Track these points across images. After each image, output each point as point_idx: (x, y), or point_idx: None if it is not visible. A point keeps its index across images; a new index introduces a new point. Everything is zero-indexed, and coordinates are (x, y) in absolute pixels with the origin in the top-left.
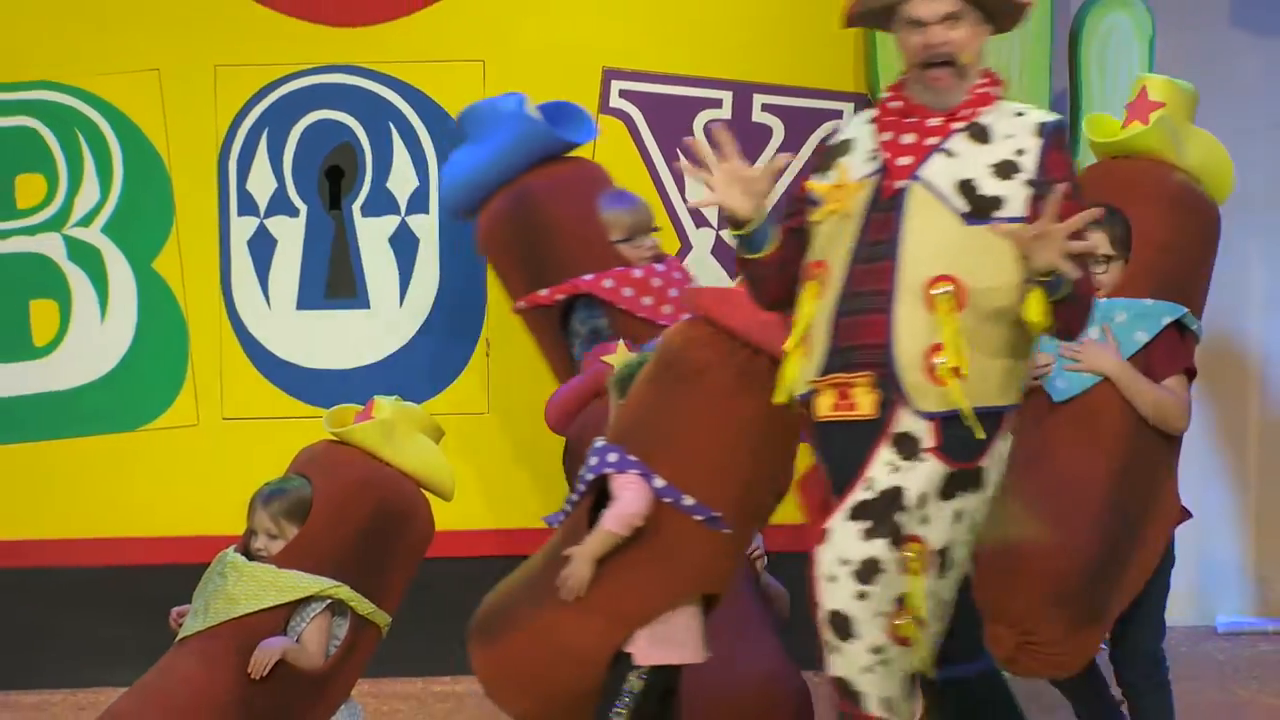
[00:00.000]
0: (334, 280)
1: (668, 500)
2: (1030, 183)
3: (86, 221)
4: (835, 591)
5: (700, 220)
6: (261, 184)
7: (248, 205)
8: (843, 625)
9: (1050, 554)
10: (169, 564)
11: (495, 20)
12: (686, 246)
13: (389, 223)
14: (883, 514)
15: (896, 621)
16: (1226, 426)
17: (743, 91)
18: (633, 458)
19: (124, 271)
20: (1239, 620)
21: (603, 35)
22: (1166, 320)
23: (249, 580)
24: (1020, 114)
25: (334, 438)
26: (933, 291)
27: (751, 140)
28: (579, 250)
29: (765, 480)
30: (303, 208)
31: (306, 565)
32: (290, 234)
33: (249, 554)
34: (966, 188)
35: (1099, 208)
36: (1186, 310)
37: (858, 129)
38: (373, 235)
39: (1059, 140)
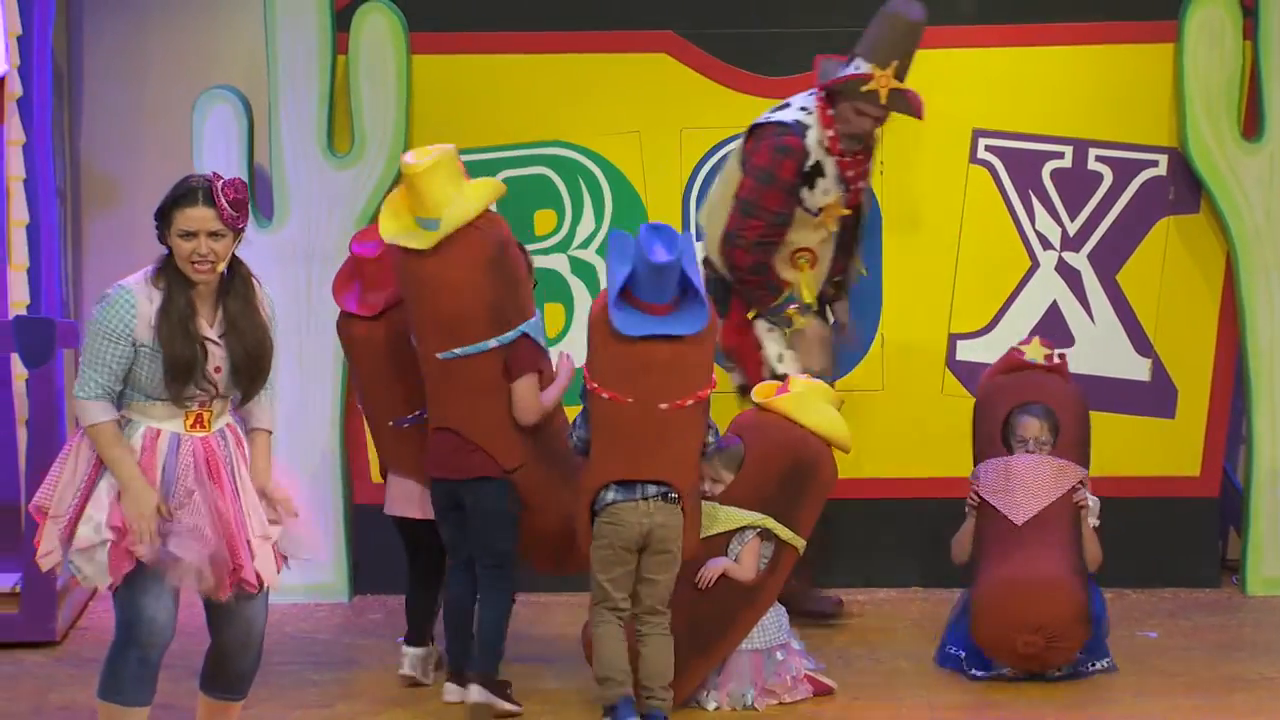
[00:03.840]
0: None
1: None
2: None
3: (585, 245)
4: None
5: (1046, 244)
6: None
7: (703, 234)
8: None
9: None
10: None
11: None
12: (1035, 265)
13: None
14: None
15: None
16: None
17: (1080, 146)
18: None
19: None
20: None
21: (972, 101)
22: None
23: (701, 514)
24: None
25: (761, 406)
26: None
27: (1085, 184)
28: None
29: None
30: None
31: (741, 502)
32: None
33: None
34: None
35: None
36: None
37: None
38: None
39: None
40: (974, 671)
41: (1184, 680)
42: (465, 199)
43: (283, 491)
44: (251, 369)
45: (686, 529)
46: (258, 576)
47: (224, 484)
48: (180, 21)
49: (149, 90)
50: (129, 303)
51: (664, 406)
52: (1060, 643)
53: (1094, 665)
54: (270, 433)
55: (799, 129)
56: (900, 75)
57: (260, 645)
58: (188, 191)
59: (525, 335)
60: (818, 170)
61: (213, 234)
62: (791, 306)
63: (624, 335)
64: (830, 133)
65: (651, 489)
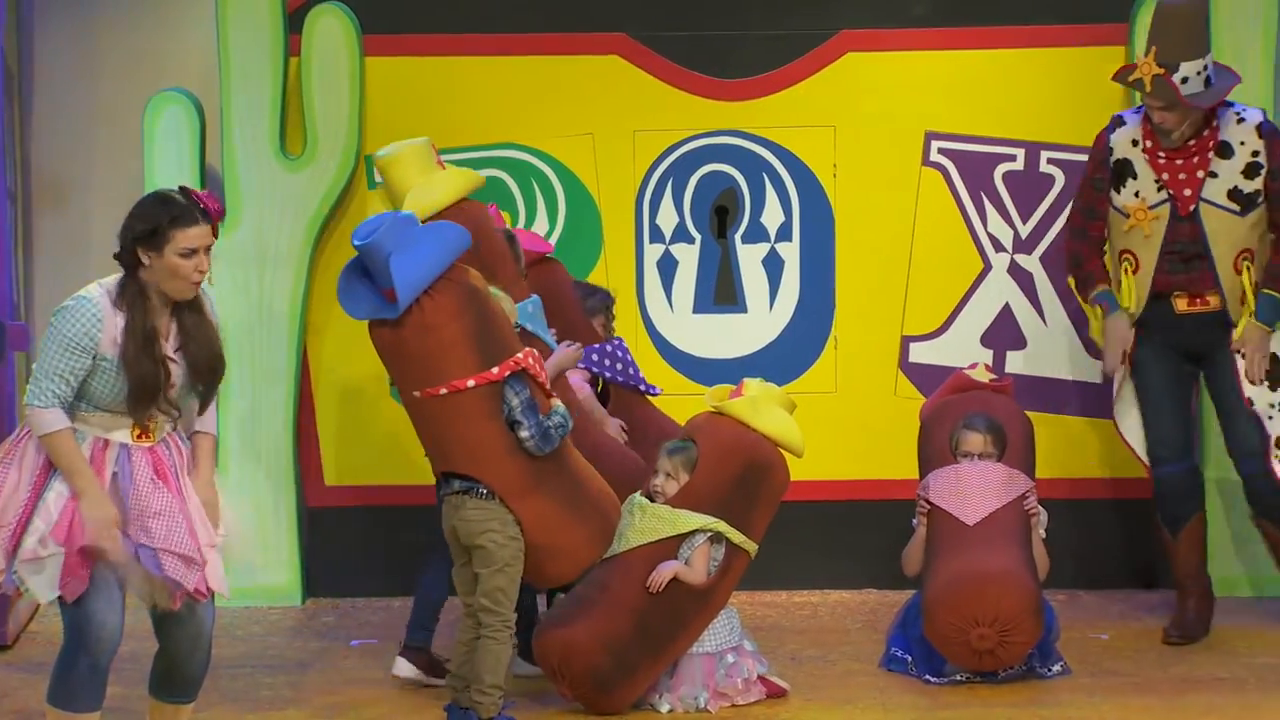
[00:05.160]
0: (720, 291)
1: None
2: None
3: None
4: None
5: (999, 246)
6: (667, 219)
7: (657, 235)
8: None
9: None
10: None
11: (842, 96)
12: (987, 267)
13: (761, 248)
14: None
15: None
16: None
17: (1032, 148)
18: None
19: None
20: None
21: (924, 103)
22: None
23: (652, 517)
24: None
25: (714, 409)
26: None
27: (1037, 186)
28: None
29: None
30: (698, 237)
31: (693, 505)
32: (688, 257)
33: (649, 495)
34: None
35: None
36: None
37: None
38: (750, 257)
39: None
40: (927, 677)
41: (1135, 681)
42: (431, 187)
43: (217, 499)
44: (208, 378)
45: (559, 527)
46: (207, 583)
47: (174, 491)
48: (131, 23)
49: (100, 92)
50: (94, 314)
51: (417, 394)
52: (1013, 636)
53: (1049, 670)
54: (214, 436)
55: (1114, 124)
56: (1163, 60)
57: (209, 648)
58: (185, 211)
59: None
60: (1126, 169)
61: (207, 249)
62: (1098, 302)
63: (348, 314)
64: (1143, 129)
65: (456, 483)
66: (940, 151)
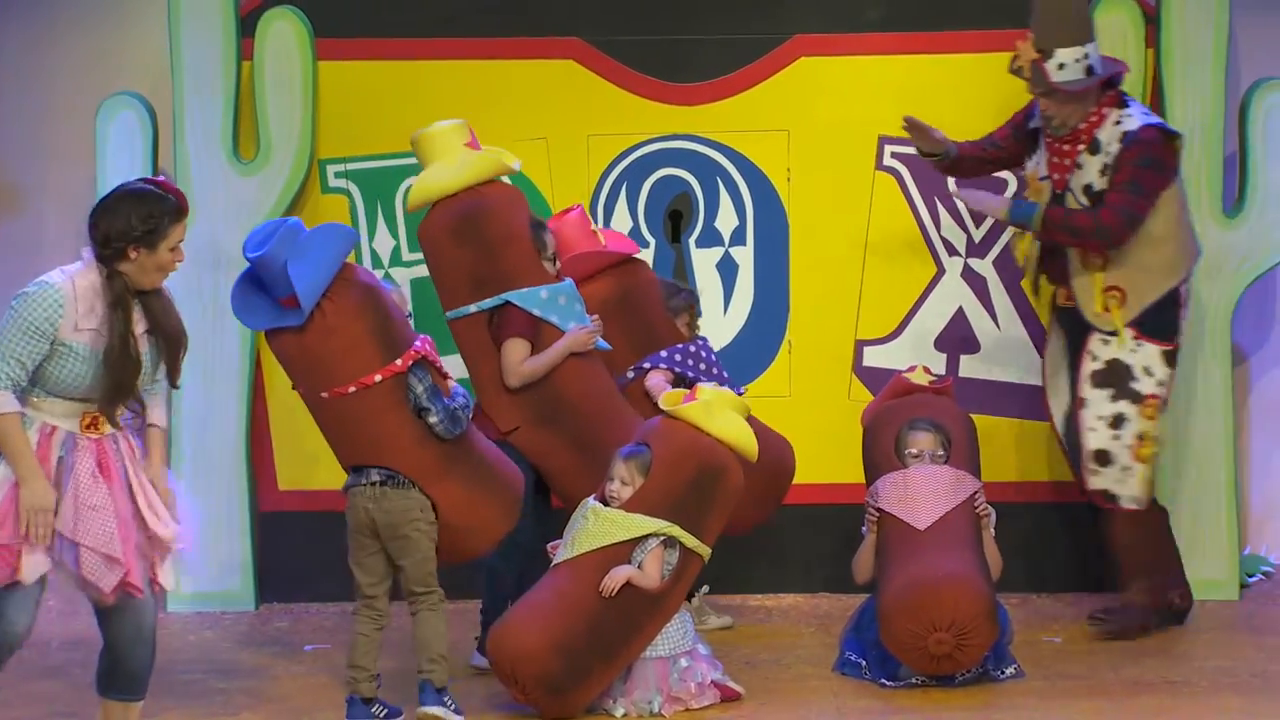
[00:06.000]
0: None
1: None
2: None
3: None
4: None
5: (952, 250)
6: (621, 223)
7: None
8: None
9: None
10: None
11: (796, 101)
12: (941, 271)
13: (716, 252)
14: None
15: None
16: None
17: None
18: None
19: None
20: None
21: (878, 108)
22: None
23: (605, 522)
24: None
25: (668, 414)
26: None
27: (991, 190)
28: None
29: None
30: (652, 241)
31: (647, 510)
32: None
33: (604, 500)
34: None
35: None
36: None
37: None
38: (704, 261)
39: None
40: (882, 681)
41: (1087, 684)
42: (443, 170)
43: (170, 493)
44: (178, 351)
45: (473, 505)
46: (155, 578)
47: (117, 486)
48: (84, 27)
49: (53, 96)
50: (55, 300)
51: (326, 395)
52: (970, 639)
53: (1002, 673)
54: (166, 430)
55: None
56: (1040, 47)
57: (153, 642)
58: (177, 206)
59: (509, 303)
60: (1036, 139)
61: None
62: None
63: (245, 326)
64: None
65: (375, 474)
66: (894, 156)
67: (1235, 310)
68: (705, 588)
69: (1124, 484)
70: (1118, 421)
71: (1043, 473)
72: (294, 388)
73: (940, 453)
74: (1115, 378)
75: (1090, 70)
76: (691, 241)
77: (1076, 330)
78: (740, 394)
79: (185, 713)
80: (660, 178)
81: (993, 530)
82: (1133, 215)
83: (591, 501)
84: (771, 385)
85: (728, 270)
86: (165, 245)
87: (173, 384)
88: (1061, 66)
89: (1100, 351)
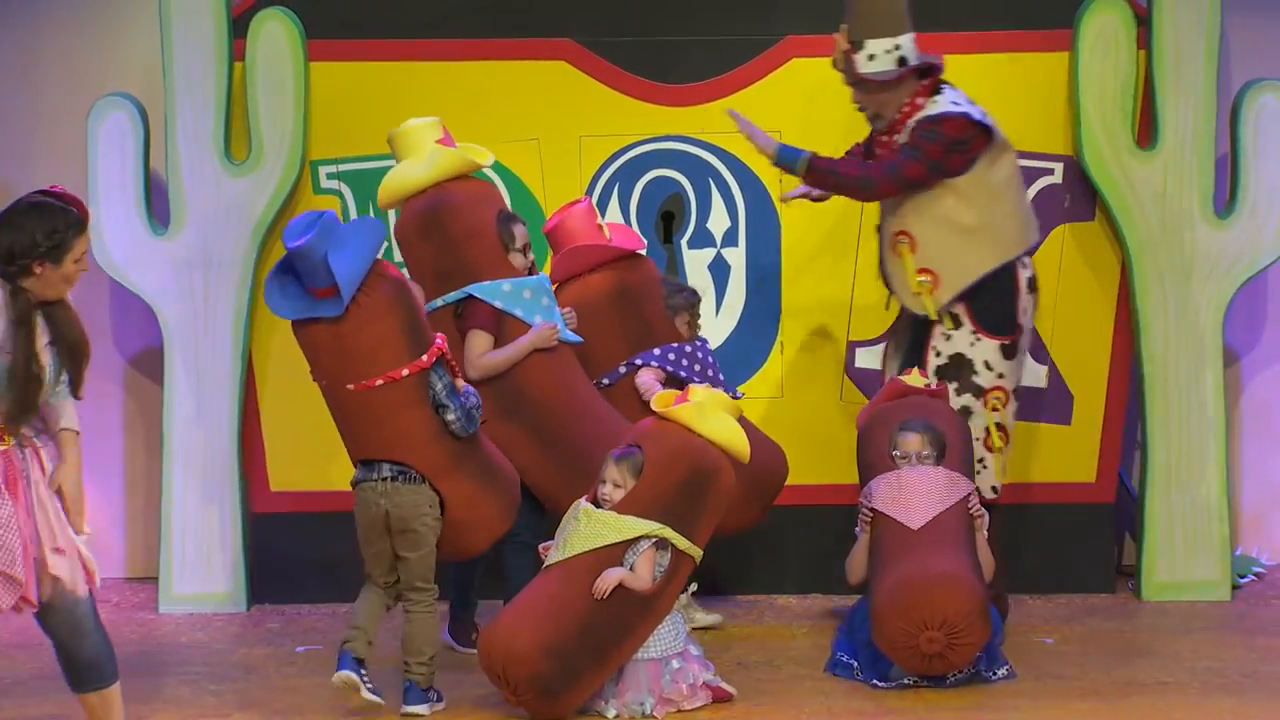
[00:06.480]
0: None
1: None
2: None
3: None
4: None
5: None
6: None
7: None
8: None
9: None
10: None
11: (788, 101)
12: None
13: (708, 254)
14: None
15: None
16: None
17: None
18: None
19: None
20: None
21: None
22: None
23: (597, 523)
24: None
25: (660, 415)
26: None
27: None
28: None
29: None
30: (644, 242)
31: (638, 511)
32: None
33: (596, 502)
34: None
35: None
36: None
37: None
38: (696, 262)
39: None
40: (874, 682)
41: (1079, 685)
42: (410, 167)
43: (82, 493)
44: (80, 361)
45: (476, 502)
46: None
47: (20, 498)
48: (75, 27)
49: (44, 97)
50: None
51: (351, 388)
52: (962, 638)
53: (994, 674)
54: (78, 432)
55: None
56: (852, 38)
57: (95, 630)
58: (78, 219)
59: (472, 296)
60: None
61: None
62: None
63: (278, 315)
64: None
65: (386, 469)
66: None
67: (1227, 311)
68: (694, 586)
69: (980, 476)
70: (963, 415)
71: (1033, 474)
72: (315, 379)
73: (928, 453)
74: (957, 372)
75: (902, 61)
76: (684, 242)
77: (919, 326)
78: (737, 397)
79: (177, 714)
80: (652, 179)
81: (985, 532)
82: (899, 173)
83: (583, 503)
84: (763, 387)
85: (720, 271)
86: (70, 258)
87: (75, 394)
88: (871, 58)
89: (943, 346)
